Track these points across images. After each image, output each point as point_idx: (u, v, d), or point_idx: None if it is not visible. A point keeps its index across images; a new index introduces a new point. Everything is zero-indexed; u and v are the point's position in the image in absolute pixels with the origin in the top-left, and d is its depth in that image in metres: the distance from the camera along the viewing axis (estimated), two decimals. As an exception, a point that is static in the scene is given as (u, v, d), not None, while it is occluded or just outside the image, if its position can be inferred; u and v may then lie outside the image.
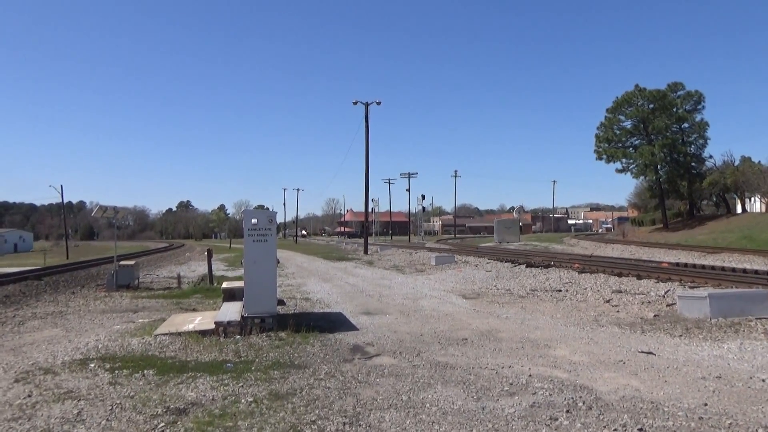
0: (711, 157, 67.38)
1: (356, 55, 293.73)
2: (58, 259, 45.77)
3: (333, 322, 11.00)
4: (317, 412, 5.45)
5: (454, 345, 8.67)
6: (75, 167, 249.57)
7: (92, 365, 7.49)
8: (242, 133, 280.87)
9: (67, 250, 58.45)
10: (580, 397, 5.74)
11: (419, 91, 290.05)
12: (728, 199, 70.40)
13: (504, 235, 60.92)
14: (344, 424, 5.12)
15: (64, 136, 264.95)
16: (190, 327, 9.94)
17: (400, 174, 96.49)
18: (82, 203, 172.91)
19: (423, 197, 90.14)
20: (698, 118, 63.79)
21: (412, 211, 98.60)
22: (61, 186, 70.01)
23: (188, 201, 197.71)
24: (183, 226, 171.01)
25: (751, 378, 6.39)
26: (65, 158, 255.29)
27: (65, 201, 78.38)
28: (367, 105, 43.23)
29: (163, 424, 5.19)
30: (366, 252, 42.77)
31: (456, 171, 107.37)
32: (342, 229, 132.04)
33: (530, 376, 6.62)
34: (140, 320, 11.87)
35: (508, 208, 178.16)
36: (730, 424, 4.90)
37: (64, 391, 6.33)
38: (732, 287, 13.46)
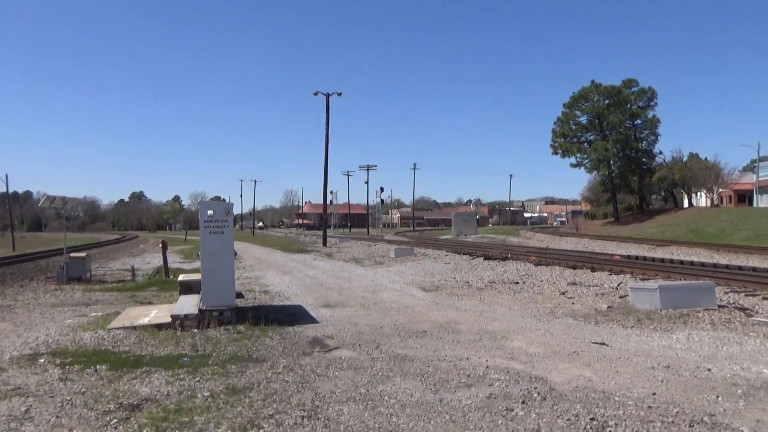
0: (661, 153, 69.56)
1: (316, 46, 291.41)
2: (4, 250, 44.02)
3: (292, 315, 10.93)
4: (275, 406, 5.41)
5: (414, 337, 8.72)
6: (21, 156, 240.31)
7: (42, 360, 7.26)
8: (198, 123, 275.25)
9: (13, 241, 56.26)
10: (535, 388, 5.86)
11: (379, 83, 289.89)
12: (676, 194, 72.83)
13: (462, 227, 61.52)
14: (302, 417, 5.09)
15: (9, 123, 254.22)
16: (146, 320, 9.73)
17: (359, 166, 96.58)
18: (28, 193, 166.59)
19: (382, 190, 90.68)
20: (650, 114, 65.70)
21: (371, 203, 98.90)
22: (6, 175, 67.16)
23: (141, 192, 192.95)
24: (136, 218, 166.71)
25: (697, 368, 6.63)
26: (10, 146, 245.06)
27: (11, 191, 75.55)
28: (327, 96, 42.98)
29: (115, 420, 5.07)
30: (325, 244, 42.62)
31: (415, 164, 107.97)
32: (300, 221, 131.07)
33: (487, 367, 6.72)
34: (93, 314, 11.55)
35: (465, 201, 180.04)
36: (677, 412, 5.08)
37: (11, 387, 6.12)
38: (681, 279, 13.96)
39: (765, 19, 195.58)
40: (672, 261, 21.28)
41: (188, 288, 12.44)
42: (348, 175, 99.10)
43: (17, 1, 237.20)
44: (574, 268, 18.29)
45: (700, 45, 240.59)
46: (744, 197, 70.56)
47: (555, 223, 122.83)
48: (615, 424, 4.82)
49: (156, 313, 10.52)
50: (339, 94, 43.73)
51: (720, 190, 67.26)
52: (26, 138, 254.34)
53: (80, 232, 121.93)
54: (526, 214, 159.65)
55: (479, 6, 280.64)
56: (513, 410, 5.21)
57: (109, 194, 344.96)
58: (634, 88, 65.62)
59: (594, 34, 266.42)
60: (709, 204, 67.34)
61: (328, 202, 50.78)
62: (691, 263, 19.93)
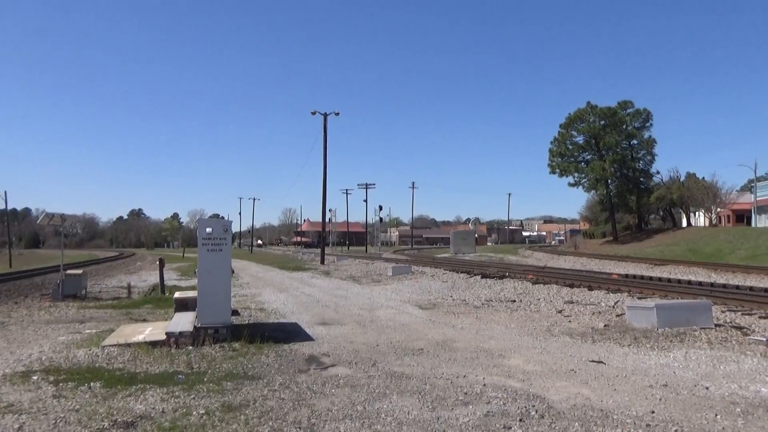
0: (658, 172, 69.88)
1: (315, 65, 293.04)
2: (0, 267, 43.91)
3: (288, 333, 10.88)
4: (271, 423, 5.37)
5: (410, 355, 8.68)
6: (20, 173, 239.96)
7: (35, 378, 7.19)
8: (197, 141, 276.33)
9: (10, 258, 56.10)
10: (533, 405, 5.82)
11: (377, 102, 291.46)
12: (674, 214, 73.02)
13: (460, 246, 61.49)
14: (298, 435, 5.05)
15: (8, 140, 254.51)
16: (140, 338, 9.67)
17: (358, 184, 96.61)
18: (27, 210, 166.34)
19: (380, 208, 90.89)
20: (646, 135, 66.12)
21: (370, 221, 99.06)
22: (5, 192, 66.97)
23: (140, 209, 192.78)
24: (134, 235, 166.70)
25: (695, 386, 6.60)
26: (9, 163, 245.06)
27: (9, 207, 75.49)
28: (325, 115, 43.15)
29: (109, 438, 5.02)
30: (323, 262, 42.56)
31: (413, 182, 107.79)
32: (299, 239, 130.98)
33: (485, 385, 6.68)
34: (87, 331, 11.47)
35: (464, 219, 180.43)
36: (676, 430, 5.05)
37: (4, 404, 6.05)
38: (678, 298, 13.94)
39: (760, 39, 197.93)
40: (669, 280, 21.26)
41: (184, 305, 12.37)
42: (347, 194, 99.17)
43: (16, 15, 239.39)
44: (572, 286, 18.26)
45: (695, 65, 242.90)
46: (742, 217, 70.72)
47: (553, 242, 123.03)
48: (613, 442, 4.78)
49: (151, 331, 10.46)
50: (336, 114, 43.93)
51: (718, 209, 67.44)
52: (25, 155, 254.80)
53: (78, 249, 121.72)
54: (524, 233, 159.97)
55: (478, 26, 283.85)
56: (511, 428, 5.17)
57: (107, 211, 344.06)
58: (630, 109, 66.09)
59: (591, 54, 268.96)
60: (707, 223, 67.44)
61: (327, 220, 50.72)
62: (689, 282, 19.92)
